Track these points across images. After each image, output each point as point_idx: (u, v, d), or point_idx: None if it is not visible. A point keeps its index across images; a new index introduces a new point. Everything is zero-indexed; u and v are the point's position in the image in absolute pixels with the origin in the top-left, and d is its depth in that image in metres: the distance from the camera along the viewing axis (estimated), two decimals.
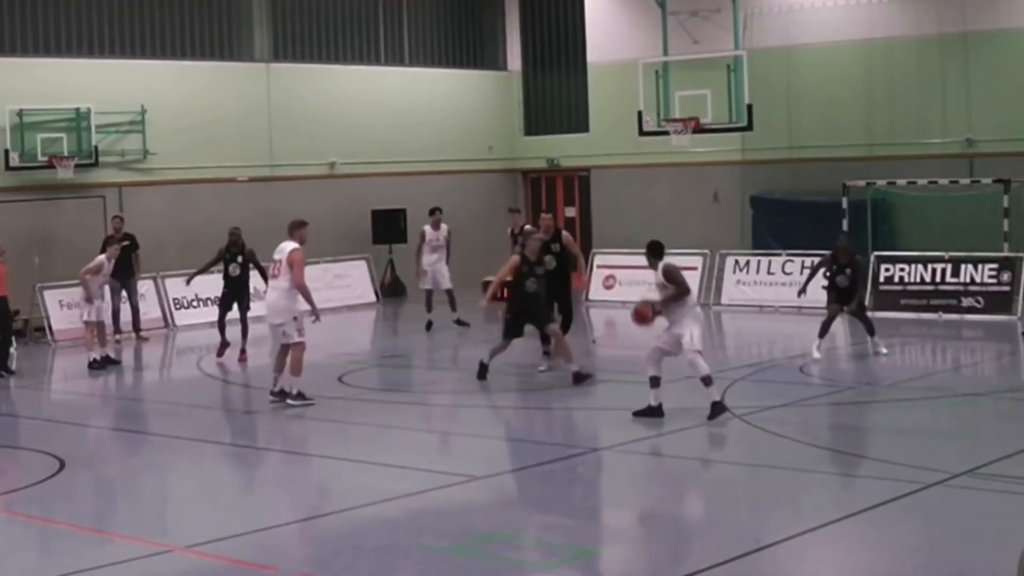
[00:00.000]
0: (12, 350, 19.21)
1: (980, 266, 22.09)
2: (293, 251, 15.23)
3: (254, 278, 19.90)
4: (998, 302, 21.80)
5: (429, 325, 22.11)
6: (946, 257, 22.43)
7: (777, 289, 23.85)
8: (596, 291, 25.62)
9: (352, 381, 17.38)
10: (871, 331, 18.29)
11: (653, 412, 13.99)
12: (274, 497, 11.58)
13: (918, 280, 22.43)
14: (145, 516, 11.18)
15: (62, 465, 12.83)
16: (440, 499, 11.11)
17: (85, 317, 19.31)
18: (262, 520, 10.40)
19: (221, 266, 19.85)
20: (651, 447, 13.11)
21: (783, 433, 13.27)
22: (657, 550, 9.81)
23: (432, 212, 22.73)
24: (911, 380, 16.58)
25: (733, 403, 14.77)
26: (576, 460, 12.58)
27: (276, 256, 15.47)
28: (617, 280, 25.63)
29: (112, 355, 19.81)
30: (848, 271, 18.25)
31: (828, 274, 18.56)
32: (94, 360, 19.16)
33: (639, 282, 25.26)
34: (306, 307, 15.32)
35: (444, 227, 22.43)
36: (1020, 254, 22.10)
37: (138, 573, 9.30)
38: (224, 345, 19.61)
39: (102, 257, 19.38)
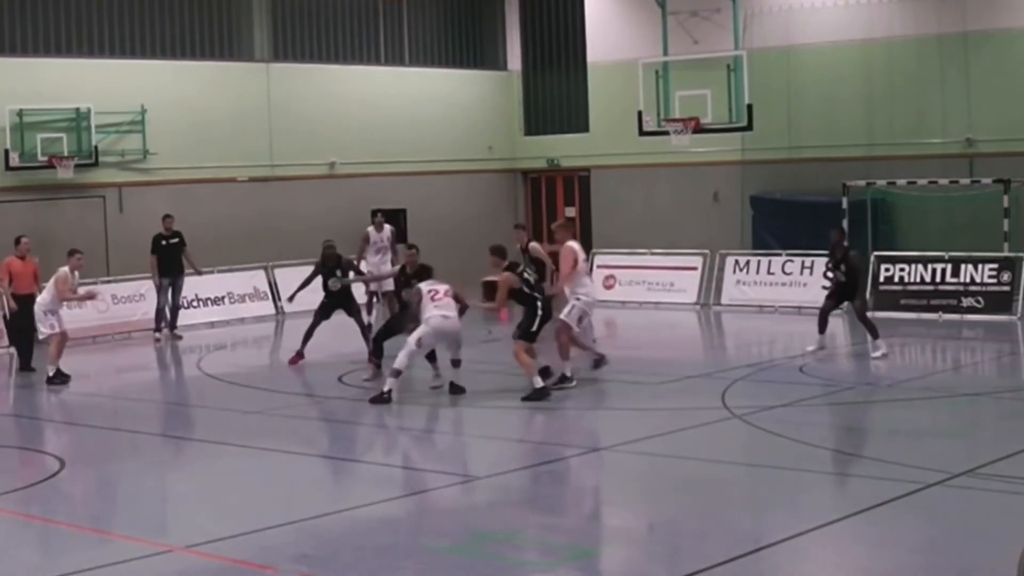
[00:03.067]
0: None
1: (980, 266, 22.08)
2: (565, 249, 16.49)
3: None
4: (998, 302, 21.79)
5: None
6: (946, 257, 22.41)
7: (777, 289, 23.85)
8: (596, 291, 25.60)
9: (352, 381, 17.37)
10: (874, 334, 18.07)
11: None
12: (274, 497, 11.57)
13: (918, 280, 22.42)
14: (145, 516, 11.17)
15: (62, 465, 12.84)
16: (440, 499, 11.11)
17: (55, 329, 18.23)
18: (262, 520, 10.39)
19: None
20: (651, 447, 13.11)
21: (783, 433, 13.27)
22: (657, 550, 9.81)
23: (374, 215, 22.82)
24: (911, 380, 16.57)
25: (733, 403, 14.79)
26: (576, 460, 12.57)
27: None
28: (617, 280, 25.65)
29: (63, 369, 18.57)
30: (843, 267, 18.23)
31: (829, 271, 18.89)
32: (57, 373, 18.23)
33: (639, 282, 25.38)
34: (582, 292, 16.37)
35: (387, 228, 22.48)
36: (1020, 254, 22.09)
37: (138, 573, 9.30)
38: (300, 355, 19.02)
39: (64, 269, 18.44)
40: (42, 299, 18.40)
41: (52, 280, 18.43)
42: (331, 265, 19.09)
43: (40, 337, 18.50)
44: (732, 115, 23.99)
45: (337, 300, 19.12)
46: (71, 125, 24.11)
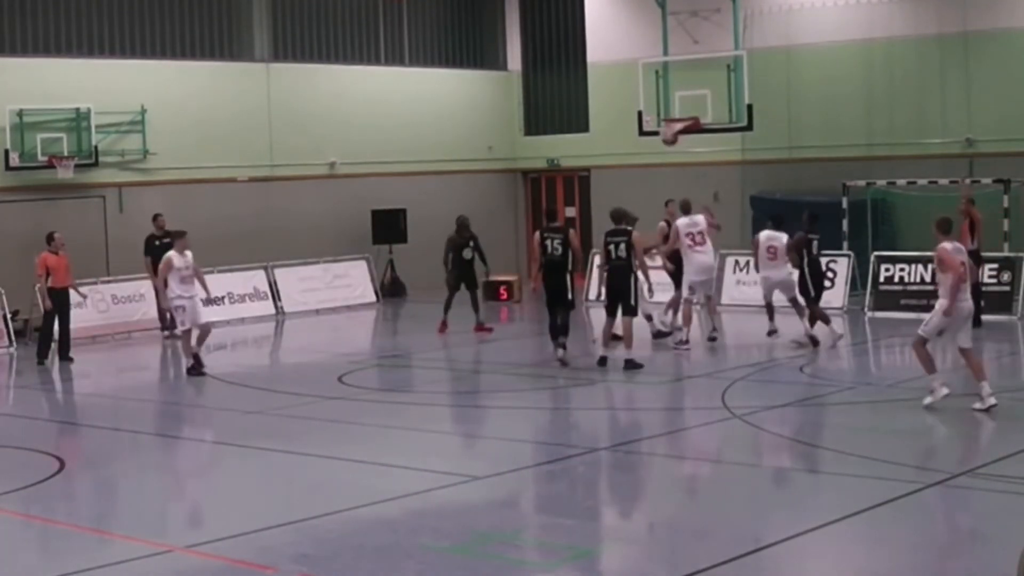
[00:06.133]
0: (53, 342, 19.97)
1: (980, 266, 22.03)
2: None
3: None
4: (998, 302, 21.76)
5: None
6: None
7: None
8: (596, 291, 25.59)
9: (352, 381, 17.38)
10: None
11: None
12: (274, 497, 11.58)
13: (918, 280, 22.39)
14: (145, 516, 11.18)
15: (62, 465, 12.84)
16: (440, 499, 11.11)
17: (187, 324, 18.25)
18: (262, 520, 10.39)
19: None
20: (651, 447, 13.11)
21: (783, 433, 13.27)
22: (657, 550, 9.81)
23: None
24: (911, 380, 16.55)
25: (733, 403, 14.79)
26: (576, 460, 12.58)
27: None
28: None
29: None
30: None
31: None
32: (194, 365, 18.35)
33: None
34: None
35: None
36: (1020, 254, 22.08)
37: (138, 573, 9.30)
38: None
39: (171, 253, 18.35)
40: (169, 293, 18.24)
41: (161, 272, 18.38)
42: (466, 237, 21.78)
43: (178, 332, 19.19)
44: (732, 115, 23.95)
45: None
46: (71, 125, 24.10)
